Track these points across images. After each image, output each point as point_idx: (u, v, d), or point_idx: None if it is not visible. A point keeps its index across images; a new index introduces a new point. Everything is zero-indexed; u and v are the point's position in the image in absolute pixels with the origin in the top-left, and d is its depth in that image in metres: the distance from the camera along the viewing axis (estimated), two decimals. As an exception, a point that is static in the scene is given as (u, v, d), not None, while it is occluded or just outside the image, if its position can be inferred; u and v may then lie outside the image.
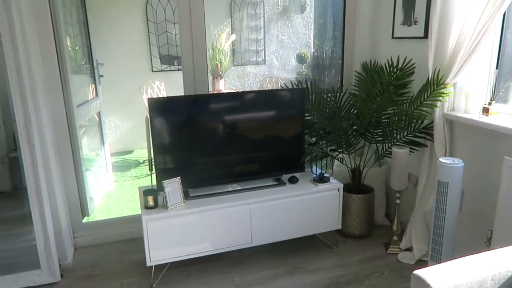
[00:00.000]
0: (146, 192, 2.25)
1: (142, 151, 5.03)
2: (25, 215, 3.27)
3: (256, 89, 4.99)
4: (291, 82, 2.84)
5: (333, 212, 2.59)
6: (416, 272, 1.32)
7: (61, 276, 2.43)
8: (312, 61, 5.37)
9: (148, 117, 2.29)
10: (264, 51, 5.37)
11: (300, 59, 5.38)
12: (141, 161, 4.71)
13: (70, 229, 2.72)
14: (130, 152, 5.04)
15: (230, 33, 5.01)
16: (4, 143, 3.56)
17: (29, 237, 2.87)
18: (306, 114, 2.64)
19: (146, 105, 4.47)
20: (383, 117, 2.65)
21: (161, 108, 2.29)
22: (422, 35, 2.54)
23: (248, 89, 5.26)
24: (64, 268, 2.51)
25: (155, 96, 4.60)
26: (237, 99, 2.49)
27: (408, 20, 2.65)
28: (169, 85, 4.89)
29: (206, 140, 2.42)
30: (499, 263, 1.35)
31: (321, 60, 4.98)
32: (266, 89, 4.78)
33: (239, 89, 5.25)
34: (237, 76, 5.35)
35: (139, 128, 4.97)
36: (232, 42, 4.86)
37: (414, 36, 2.62)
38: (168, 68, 5.01)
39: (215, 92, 4.10)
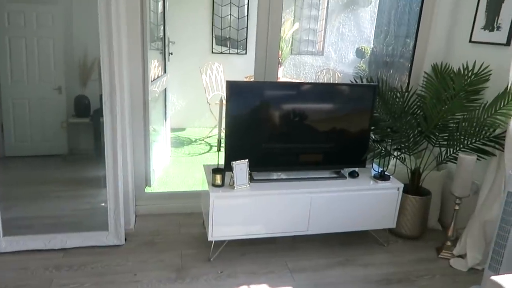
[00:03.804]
0: (215, 171, 2.35)
1: (194, 130, 5.19)
2: (83, 178, 3.50)
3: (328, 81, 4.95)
4: (360, 78, 2.85)
5: (390, 211, 2.61)
6: (494, 278, 1.34)
7: (125, 240, 2.59)
8: (370, 57, 5.31)
9: (223, 98, 2.38)
10: (323, 42, 5.35)
11: (360, 53, 5.33)
12: (193, 140, 4.86)
13: (133, 197, 2.89)
14: (183, 129, 5.21)
15: (293, 21, 5.03)
16: (64, 109, 3.79)
17: (91, 200, 3.08)
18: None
19: (204, 85, 4.61)
20: (450, 121, 2.62)
21: (237, 91, 2.37)
22: (504, 41, 2.48)
23: (303, 79, 5.29)
24: (127, 233, 2.66)
25: (213, 78, 4.71)
26: (310, 89, 2.54)
27: (490, 24, 2.58)
28: (227, 67, 4.98)
29: (274, 127, 2.49)
30: None
31: (381, 56, 4.91)
32: (339, 82, 4.75)
33: (295, 78, 5.28)
34: (293, 65, 5.37)
35: (194, 107, 5.12)
36: (294, 31, 4.88)
37: (494, 42, 2.55)
38: (227, 51, 5.10)
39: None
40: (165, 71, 3.63)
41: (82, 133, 3.94)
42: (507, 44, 2.46)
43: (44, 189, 3.20)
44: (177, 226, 2.83)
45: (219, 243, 2.49)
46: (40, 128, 3.77)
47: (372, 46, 5.38)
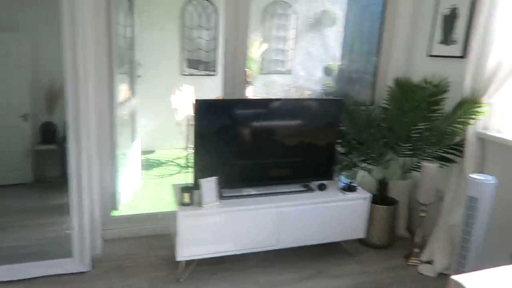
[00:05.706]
0: (184, 189, 2.32)
1: (164, 152, 5.12)
2: (49, 206, 3.40)
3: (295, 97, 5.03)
4: (328, 94, 2.91)
5: (359, 221, 2.63)
6: (454, 277, 1.36)
7: (93, 266, 2.50)
8: (338, 74, 5.44)
9: (193, 117, 2.37)
10: (292, 62, 5.47)
11: (328, 71, 5.46)
12: (163, 161, 4.80)
13: (100, 222, 2.80)
14: (152, 152, 5.14)
15: (262, 42, 5.13)
16: (29, 137, 3.70)
17: (57, 227, 2.98)
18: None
19: (173, 107, 4.59)
20: (413, 131, 2.70)
21: (205, 109, 2.37)
22: (460, 54, 2.60)
23: (273, 97, 5.36)
24: (94, 258, 2.56)
25: (183, 99, 4.71)
26: (277, 105, 2.58)
27: (447, 39, 2.70)
28: (198, 89, 5.01)
29: (243, 143, 2.50)
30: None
31: (347, 73, 5.03)
32: (306, 97, 4.83)
33: (265, 96, 5.35)
34: (263, 84, 5.45)
35: (164, 129, 5.07)
36: (263, 51, 4.98)
37: (451, 55, 2.67)
38: (197, 73, 5.14)
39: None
40: (133, 94, 3.61)
41: (48, 160, 3.83)
42: (462, 56, 2.58)
43: (8, 220, 3.08)
44: (146, 249, 2.76)
45: (189, 263, 2.44)
46: (4, 157, 3.64)
47: (339, 63, 5.53)
